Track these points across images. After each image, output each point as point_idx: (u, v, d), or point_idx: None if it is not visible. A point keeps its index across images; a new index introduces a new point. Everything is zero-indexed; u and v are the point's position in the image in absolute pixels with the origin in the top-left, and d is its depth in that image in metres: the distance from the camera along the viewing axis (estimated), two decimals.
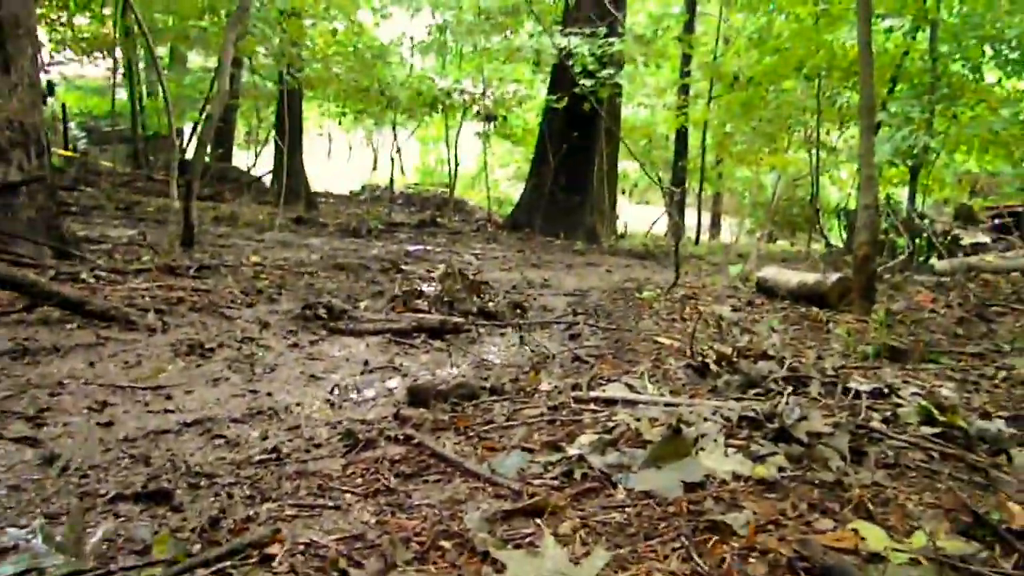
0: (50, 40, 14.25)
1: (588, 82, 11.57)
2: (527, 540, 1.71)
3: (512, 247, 11.92)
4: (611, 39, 11.65)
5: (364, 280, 6.94)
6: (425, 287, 5.75)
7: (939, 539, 1.60)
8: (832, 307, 5.32)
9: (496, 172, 24.21)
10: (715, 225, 22.15)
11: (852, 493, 1.90)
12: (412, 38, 16.16)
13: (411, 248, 10.34)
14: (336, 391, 3.40)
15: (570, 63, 11.35)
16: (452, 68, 16.02)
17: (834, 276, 5.55)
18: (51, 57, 14.67)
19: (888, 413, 2.62)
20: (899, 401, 2.77)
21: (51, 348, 3.78)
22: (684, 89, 16.68)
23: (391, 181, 16.66)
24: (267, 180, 16.07)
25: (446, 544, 1.68)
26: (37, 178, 5.87)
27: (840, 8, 12.48)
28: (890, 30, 13.48)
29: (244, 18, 7.94)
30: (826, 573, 1.45)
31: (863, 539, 1.59)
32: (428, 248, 10.52)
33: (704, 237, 19.70)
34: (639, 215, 20.92)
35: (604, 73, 11.57)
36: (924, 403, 2.59)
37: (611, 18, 12.36)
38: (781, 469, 2.10)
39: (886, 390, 2.89)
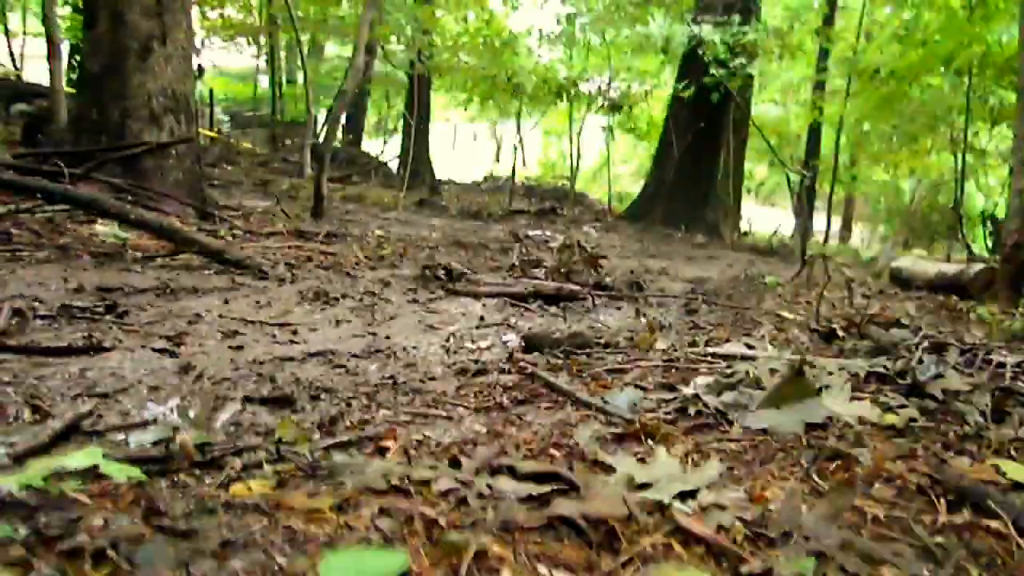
0: (201, 27, 15.15)
1: (719, 71, 11.31)
2: (638, 456, 1.68)
3: (631, 237, 11.80)
4: (745, 28, 11.32)
5: (483, 256, 7.04)
6: (544, 258, 5.76)
7: None
8: (974, 298, 4.98)
9: (619, 168, 24.03)
10: (846, 229, 21.17)
11: (992, 440, 1.76)
12: (540, 30, 16.23)
13: (530, 232, 10.41)
14: (452, 339, 3.45)
15: (701, 52, 11.12)
16: (579, 59, 15.98)
17: (978, 265, 5.19)
18: (202, 44, 15.58)
19: None
20: None
21: (191, 288, 4.02)
22: (820, 85, 16.04)
23: (513, 171, 16.79)
24: (394, 165, 16.53)
25: (556, 452, 1.68)
26: (186, 139, 6.25)
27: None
28: None
29: (379, 1, 8.19)
30: (961, 495, 1.35)
31: (1004, 473, 1.47)
32: (547, 233, 10.56)
33: (833, 242, 18.90)
34: (765, 216, 20.29)
35: (736, 63, 11.27)
36: None
37: (745, 6, 12.01)
38: (912, 420, 1.98)
39: None
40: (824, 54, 15.76)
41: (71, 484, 1.30)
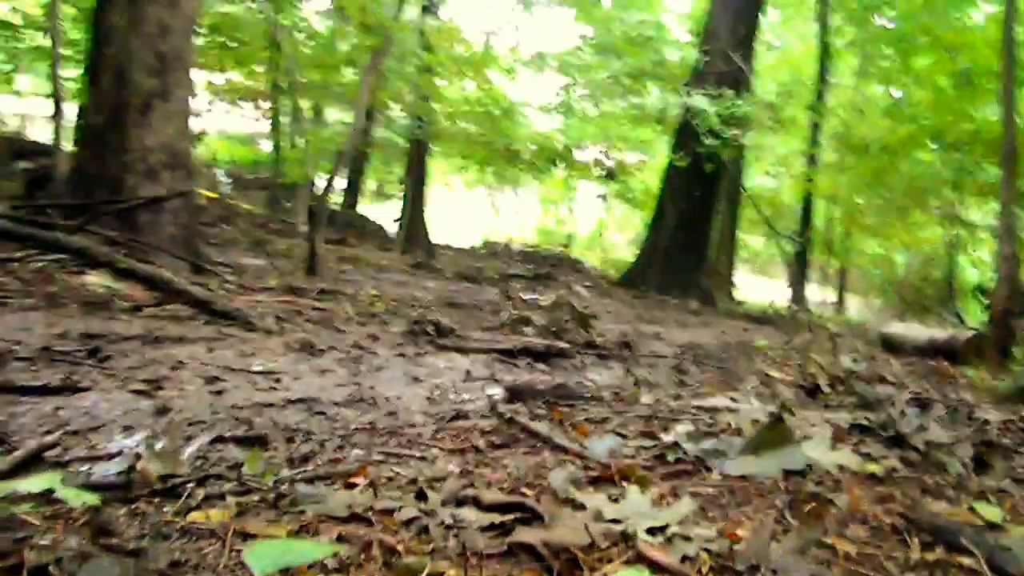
0: (207, 90, 15.46)
1: (712, 142, 11.51)
2: (611, 496, 1.65)
3: (625, 303, 11.81)
4: (738, 100, 11.58)
5: (475, 317, 7.03)
6: (534, 317, 5.76)
7: None
8: (964, 363, 4.97)
9: (614, 237, 24.23)
10: (840, 300, 21.22)
11: (973, 489, 1.73)
12: (538, 102, 16.59)
13: (525, 296, 10.42)
14: (436, 391, 3.43)
15: (695, 122, 11.34)
16: (576, 129, 16.27)
17: (968, 331, 5.19)
18: (208, 107, 15.87)
19: (1021, 438, 2.40)
20: None
21: (176, 337, 3.99)
22: (812, 158, 16.31)
23: (510, 237, 16.92)
24: (392, 229, 16.65)
25: (528, 491, 1.64)
26: (182, 193, 6.30)
27: (984, 75, 11.95)
28: None
29: (380, 61, 8.38)
30: (935, 534, 1.32)
31: (980, 516, 1.44)
32: (541, 298, 10.57)
33: (827, 312, 18.91)
34: (759, 286, 20.36)
35: (729, 134, 11.48)
36: None
37: (739, 78, 12.30)
38: (894, 470, 1.95)
39: (1019, 421, 2.65)
40: (816, 128, 16.08)
41: (24, 507, 1.27)
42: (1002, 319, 4.78)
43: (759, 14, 14.23)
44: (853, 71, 17.52)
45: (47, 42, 11.59)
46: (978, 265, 19.51)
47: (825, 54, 16.22)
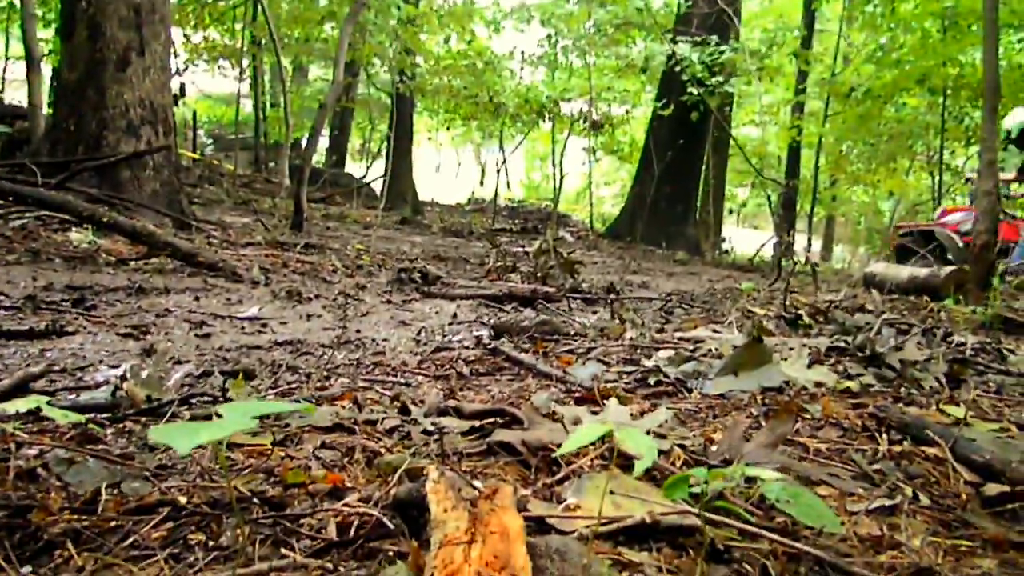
0: (184, 50, 15.21)
1: (697, 90, 11.45)
2: (592, 411, 1.69)
3: (612, 254, 11.84)
4: (722, 47, 11.48)
5: (462, 268, 7.04)
6: (520, 265, 5.78)
7: None
8: (946, 300, 5.02)
9: (601, 190, 24.17)
10: (827, 249, 21.33)
11: (944, 399, 1.78)
12: (523, 52, 16.40)
13: (511, 249, 10.43)
14: (423, 333, 3.45)
15: (679, 70, 11.26)
16: (561, 81, 16.14)
17: (948, 268, 5.24)
18: (185, 66, 15.61)
19: (994, 357, 2.45)
20: (1008, 351, 2.58)
21: (162, 288, 3.99)
22: (799, 107, 16.24)
23: (496, 193, 16.86)
24: (378, 187, 16.57)
25: (510, 408, 1.67)
26: (163, 147, 6.24)
27: (969, 17, 11.88)
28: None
29: (359, 12, 8.26)
30: (903, 430, 1.36)
31: (949, 415, 1.48)
32: (528, 250, 10.58)
33: (813, 259, 19.02)
34: (746, 238, 20.42)
35: (714, 81, 11.41)
36: None
37: (721, 21, 12.19)
38: (869, 385, 1.99)
39: (993, 344, 2.71)
40: (802, 76, 15.97)
41: (11, 425, 1.29)
42: (981, 253, 4.83)
43: None
44: (838, 17, 17.35)
45: (19, 1, 11.34)
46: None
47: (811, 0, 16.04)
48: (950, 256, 7.83)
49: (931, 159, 16.03)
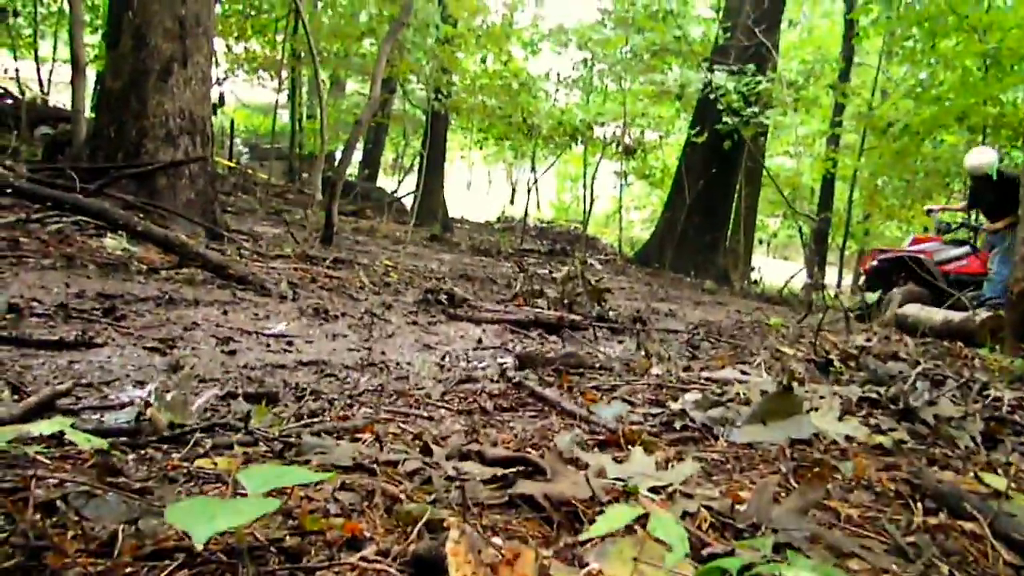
0: (225, 60, 15.45)
1: (732, 120, 11.40)
2: (616, 458, 1.65)
3: (640, 280, 11.79)
4: (759, 78, 11.43)
5: (489, 289, 7.04)
6: (547, 290, 5.76)
7: None
8: (980, 346, 4.92)
9: (631, 214, 24.12)
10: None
11: (979, 461, 1.72)
12: (559, 74, 16.46)
13: (539, 271, 10.41)
14: (447, 358, 3.44)
15: (714, 98, 11.22)
16: (596, 104, 16.16)
17: (984, 313, 5.14)
18: (225, 75, 15.85)
19: None
20: None
21: (191, 300, 4.02)
22: (834, 139, 16.11)
23: (525, 213, 16.88)
24: (408, 202, 16.67)
25: (532, 451, 1.65)
26: (200, 158, 6.33)
27: (1012, 57, 11.72)
28: None
29: (398, 31, 8.33)
30: (939, 499, 1.31)
31: (987, 485, 1.43)
32: (556, 273, 10.56)
33: (845, 294, 18.78)
34: (776, 269, 20.23)
35: (749, 111, 11.35)
36: None
37: (759, 53, 12.15)
38: (902, 441, 1.94)
39: None
40: (839, 108, 15.86)
41: (35, 448, 1.29)
42: (1019, 301, 4.72)
43: None
44: (878, 51, 17.22)
45: (68, 7, 11.60)
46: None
47: (850, 32, 15.95)
48: (939, 284, 7.76)
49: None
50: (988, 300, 7.35)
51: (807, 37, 19.57)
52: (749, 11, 12.38)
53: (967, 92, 12.86)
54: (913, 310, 5.90)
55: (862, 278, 8.91)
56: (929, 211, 9.15)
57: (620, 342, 4.81)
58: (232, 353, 2.92)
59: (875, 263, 8.48)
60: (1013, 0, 12.62)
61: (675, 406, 2.19)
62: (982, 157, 8.00)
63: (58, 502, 1.04)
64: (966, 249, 8.08)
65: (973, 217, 8.65)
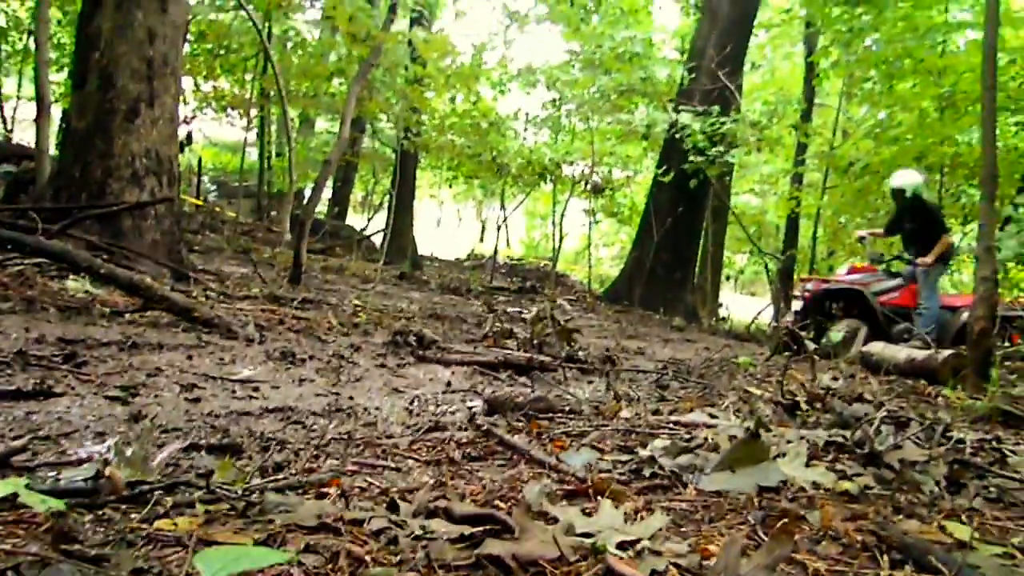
0: (194, 98, 15.41)
1: (698, 159, 11.59)
2: (585, 510, 1.65)
3: (609, 318, 11.84)
4: (723, 118, 11.66)
5: (459, 329, 7.02)
6: (517, 330, 5.76)
7: None
8: (943, 384, 5.00)
9: (600, 251, 24.30)
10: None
11: (944, 508, 1.74)
12: (528, 114, 16.65)
13: (509, 309, 10.42)
14: (416, 402, 3.41)
15: (680, 139, 11.41)
16: (564, 144, 16.37)
17: (947, 352, 5.23)
18: (193, 113, 15.80)
19: (995, 458, 2.41)
20: (1009, 451, 2.55)
21: (155, 344, 3.96)
22: (797, 178, 16.45)
23: (495, 250, 16.94)
24: (377, 240, 16.65)
25: (501, 504, 1.64)
26: (166, 198, 6.27)
27: (966, 99, 12.09)
28: (1022, 126, 12.96)
29: (368, 72, 8.39)
30: (904, 552, 1.32)
31: (950, 534, 1.45)
32: (525, 311, 10.57)
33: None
34: (744, 305, 20.45)
35: (714, 151, 11.56)
36: None
37: (726, 96, 12.40)
38: (868, 487, 1.95)
39: (994, 442, 2.67)
40: (801, 148, 16.21)
41: None
42: (980, 339, 4.81)
43: (747, 33, 14.36)
44: (838, 92, 17.69)
45: (34, 46, 11.54)
46: (958, 287, 19.72)
47: (811, 74, 16.38)
48: (877, 315, 7.82)
49: None
50: (919, 335, 7.42)
51: (770, 79, 20.05)
52: (713, 54, 12.65)
53: (924, 132, 13.24)
54: (877, 348, 5.98)
55: (793, 306, 8.89)
56: (861, 238, 9.23)
57: (590, 382, 4.80)
58: (196, 400, 2.87)
59: (811, 293, 8.45)
60: (966, 44, 13.03)
61: (644, 453, 2.19)
62: (906, 177, 8.11)
63: (9, 573, 1.01)
64: (899, 281, 8.14)
65: (901, 246, 8.72)
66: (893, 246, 10.11)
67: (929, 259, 7.69)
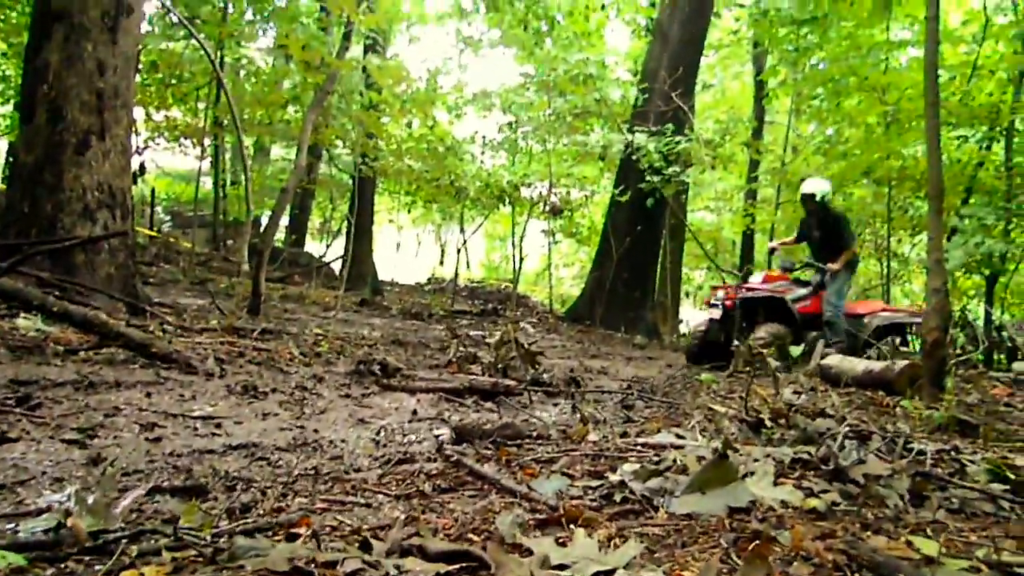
0: (146, 128, 15.21)
1: (654, 178, 11.74)
2: (559, 540, 1.64)
3: (572, 338, 11.87)
4: (677, 138, 11.85)
5: (422, 355, 6.98)
6: (481, 354, 5.75)
7: (1003, 556, 1.47)
8: (900, 394, 5.10)
9: (561, 271, 24.42)
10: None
11: (910, 522, 1.77)
12: (484, 137, 16.73)
13: (471, 332, 10.40)
14: (382, 432, 3.38)
15: (635, 159, 11.56)
16: (521, 166, 16.48)
17: (902, 363, 5.34)
18: (145, 144, 15.58)
19: (955, 468, 2.47)
20: (967, 461, 2.61)
21: (113, 383, 3.87)
22: (751, 194, 16.76)
23: (456, 274, 16.92)
24: (336, 267, 16.54)
25: (474, 537, 1.63)
26: (119, 232, 6.16)
27: (910, 115, 12.45)
28: (964, 139, 13.35)
29: (323, 100, 8.37)
30: (875, 569, 1.34)
31: (918, 550, 1.47)
32: (488, 335, 10.56)
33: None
34: (703, 320, 20.70)
35: (670, 170, 11.72)
36: (995, 461, 2.44)
37: (677, 116, 12.61)
38: (834, 503, 1.98)
39: (953, 452, 2.73)
40: (754, 165, 16.54)
41: None
42: (933, 350, 4.93)
43: (698, 54, 14.63)
44: (787, 110, 18.10)
45: None
46: (910, 297, 20.22)
47: (760, 93, 16.76)
48: (796, 322, 7.98)
49: (879, 247, 16.57)
50: (835, 343, 7.61)
51: (721, 98, 20.45)
52: (665, 75, 12.86)
53: (871, 147, 13.58)
54: (835, 361, 6.09)
55: (709, 313, 8.99)
56: (772, 250, 9.43)
57: (556, 404, 4.81)
58: (157, 440, 2.81)
59: (733, 300, 8.56)
60: (908, 61, 13.44)
61: (614, 477, 2.20)
62: (816, 184, 8.31)
63: None
64: (810, 289, 8.33)
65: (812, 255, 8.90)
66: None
67: (836, 265, 7.88)
